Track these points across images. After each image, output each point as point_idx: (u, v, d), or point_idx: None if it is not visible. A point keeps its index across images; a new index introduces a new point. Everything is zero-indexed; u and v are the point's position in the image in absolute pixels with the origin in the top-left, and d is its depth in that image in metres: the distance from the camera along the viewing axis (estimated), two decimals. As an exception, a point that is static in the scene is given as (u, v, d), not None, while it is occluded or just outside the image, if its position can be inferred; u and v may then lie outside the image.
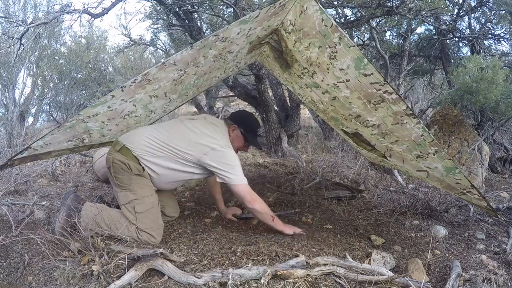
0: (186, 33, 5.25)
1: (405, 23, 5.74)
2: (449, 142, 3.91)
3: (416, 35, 6.73)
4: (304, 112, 8.21)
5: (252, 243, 2.11)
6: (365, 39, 6.40)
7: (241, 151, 2.51)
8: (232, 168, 2.16)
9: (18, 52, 4.44)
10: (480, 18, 5.95)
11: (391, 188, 3.39)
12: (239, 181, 2.17)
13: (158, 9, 5.43)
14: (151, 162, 2.16)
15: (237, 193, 2.19)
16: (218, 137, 2.23)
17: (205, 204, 2.87)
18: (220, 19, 5.38)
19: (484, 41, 5.67)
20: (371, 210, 2.85)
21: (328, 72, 2.07)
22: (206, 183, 2.78)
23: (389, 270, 1.82)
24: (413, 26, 5.95)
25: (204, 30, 5.55)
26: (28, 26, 3.88)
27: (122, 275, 1.62)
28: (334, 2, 4.42)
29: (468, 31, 5.82)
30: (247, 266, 1.69)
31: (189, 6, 4.33)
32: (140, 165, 2.15)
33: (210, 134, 2.22)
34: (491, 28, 5.82)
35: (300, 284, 1.60)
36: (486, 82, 3.72)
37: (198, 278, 1.63)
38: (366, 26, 5.60)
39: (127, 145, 2.15)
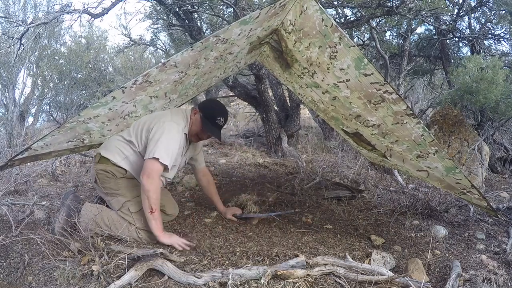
0: (186, 33, 5.25)
1: (405, 23, 5.74)
2: (449, 142, 3.92)
3: (416, 35, 6.73)
4: (304, 112, 8.21)
5: (252, 243, 2.11)
6: (365, 39, 6.40)
7: (202, 139, 2.39)
8: (157, 143, 2.02)
9: (18, 52, 4.44)
10: (480, 18, 5.95)
11: (391, 188, 3.40)
12: (155, 155, 1.99)
13: (158, 9, 5.42)
14: (124, 162, 2.18)
15: (144, 164, 2.03)
16: (169, 115, 2.18)
17: (205, 204, 2.87)
18: (220, 19, 5.38)
19: (484, 41, 5.67)
20: (371, 210, 2.85)
21: (329, 72, 2.07)
22: (201, 186, 2.76)
23: (389, 270, 1.82)
24: (413, 26, 5.95)
25: (204, 30, 5.55)
26: (28, 26, 3.88)
27: (122, 275, 1.62)
28: (334, 2, 4.42)
29: (468, 31, 5.82)
30: (247, 266, 1.69)
31: (189, 6, 4.33)
32: (122, 167, 2.17)
33: (164, 115, 2.19)
34: (491, 28, 5.82)
35: (300, 284, 1.60)
36: (486, 82, 3.72)
37: (198, 278, 1.63)
38: (366, 26, 5.60)
39: (103, 154, 2.18)
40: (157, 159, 2.00)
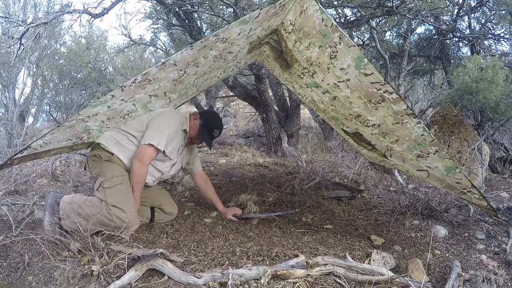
0: (186, 33, 5.25)
1: (405, 23, 5.74)
2: (449, 142, 3.91)
3: (416, 35, 6.73)
4: (304, 112, 8.21)
5: (252, 243, 2.11)
6: (365, 39, 6.40)
7: (195, 143, 2.55)
8: (154, 130, 2.19)
9: (18, 52, 4.43)
10: (480, 18, 5.96)
11: (391, 188, 3.39)
12: (151, 141, 2.16)
13: (158, 9, 5.42)
14: (114, 147, 2.24)
15: (139, 149, 2.20)
16: (169, 110, 2.36)
17: (205, 204, 2.87)
18: (220, 19, 5.38)
19: (484, 41, 5.67)
20: (371, 210, 2.85)
21: (329, 72, 2.07)
22: (199, 189, 2.76)
23: (389, 270, 1.81)
24: (413, 26, 5.95)
25: (204, 30, 5.55)
26: (28, 26, 3.88)
27: (122, 275, 1.62)
28: (334, 2, 4.42)
29: (468, 31, 5.82)
30: (247, 266, 1.69)
31: (189, 6, 4.34)
32: (109, 152, 2.24)
33: (165, 110, 2.35)
34: (491, 28, 5.83)
35: (300, 284, 1.60)
36: (486, 82, 3.72)
37: (198, 278, 1.63)
38: (366, 26, 5.60)
39: (97, 140, 2.28)
40: (152, 145, 2.16)
